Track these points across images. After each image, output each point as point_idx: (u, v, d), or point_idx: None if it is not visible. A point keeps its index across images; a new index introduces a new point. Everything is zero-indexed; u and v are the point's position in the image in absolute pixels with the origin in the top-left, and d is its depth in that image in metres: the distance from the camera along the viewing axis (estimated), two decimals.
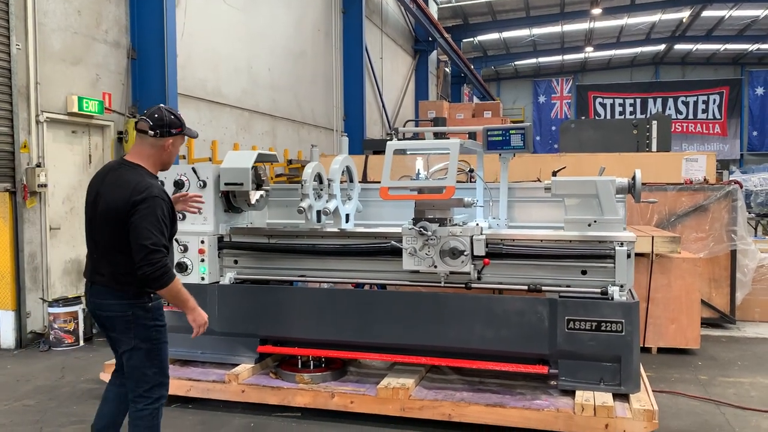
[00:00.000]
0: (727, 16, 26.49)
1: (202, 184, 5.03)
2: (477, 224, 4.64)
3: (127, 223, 3.20)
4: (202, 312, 3.39)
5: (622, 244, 4.33)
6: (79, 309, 6.97)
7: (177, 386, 4.86)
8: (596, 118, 30.29)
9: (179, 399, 4.93)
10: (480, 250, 4.46)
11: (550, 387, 4.59)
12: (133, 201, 3.19)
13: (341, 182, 5.14)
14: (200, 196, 4.06)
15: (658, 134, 10.25)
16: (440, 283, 4.64)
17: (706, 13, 26.16)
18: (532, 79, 35.90)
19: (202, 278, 5.05)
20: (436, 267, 4.50)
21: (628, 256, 4.32)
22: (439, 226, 4.48)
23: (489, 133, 4.86)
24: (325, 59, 14.69)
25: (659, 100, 32.66)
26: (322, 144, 13.99)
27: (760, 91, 32.04)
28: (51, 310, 6.88)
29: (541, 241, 4.52)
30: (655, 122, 10.35)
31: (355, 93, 15.69)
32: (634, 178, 4.46)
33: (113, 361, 5.00)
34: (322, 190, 5.06)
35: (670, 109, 32.00)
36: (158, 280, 3.18)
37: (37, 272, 7.09)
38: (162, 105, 3.51)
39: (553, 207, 5.09)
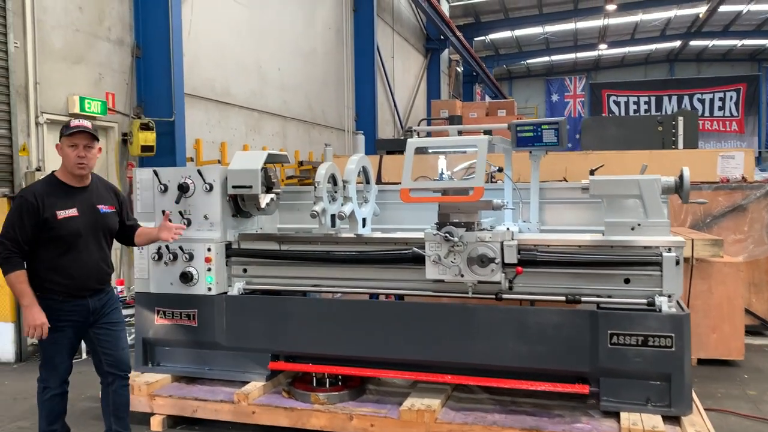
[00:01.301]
0: (744, 11, 25.93)
1: (208, 188, 4.66)
2: (507, 228, 4.22)
3: None
4: (37, 314, 3.50)
5: (669, 249, 3.91)
6: None
7: (182, 406, 4.50)
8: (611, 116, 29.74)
9: (185, 420, 4.57)
10: (511, 257, 4.04)
11: (590, 407, 4.16)
12: None
13: (357, 184, 4.75)
14: (183, 227, 4.23)
15: (685, 131, 9.81)
16: (467, 293, 4.22)
17: (723, 8, 25.57)
18: (544, 78, 35.45)
19: (209, 289, 4.67)
20: (462, 276, 4.09)
21: (677, 262, 3.90)
22: (466, 230, 4.07)
23: (519, 128, 4.44)
24: (336, 58, 14.33)
25: (674, 98, 32.07)
26: (333, 145, 13.60)
27: None
28: None
29: (579, 246, 4.11)
30: (681, 118, 9.92)
31: (367, 92, 15.37)
32: (681, 176, 4.04)
33: None
34: (336, 192, 4.69)
35: (685, 106, 31.34)
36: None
37: None
38: None
39: (587, 209, 4.68)
